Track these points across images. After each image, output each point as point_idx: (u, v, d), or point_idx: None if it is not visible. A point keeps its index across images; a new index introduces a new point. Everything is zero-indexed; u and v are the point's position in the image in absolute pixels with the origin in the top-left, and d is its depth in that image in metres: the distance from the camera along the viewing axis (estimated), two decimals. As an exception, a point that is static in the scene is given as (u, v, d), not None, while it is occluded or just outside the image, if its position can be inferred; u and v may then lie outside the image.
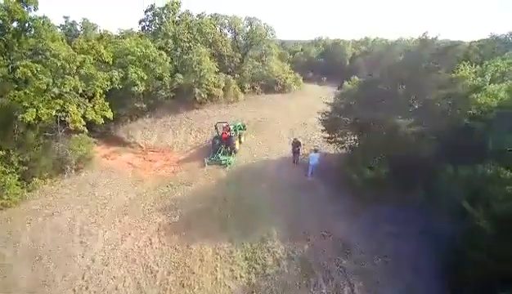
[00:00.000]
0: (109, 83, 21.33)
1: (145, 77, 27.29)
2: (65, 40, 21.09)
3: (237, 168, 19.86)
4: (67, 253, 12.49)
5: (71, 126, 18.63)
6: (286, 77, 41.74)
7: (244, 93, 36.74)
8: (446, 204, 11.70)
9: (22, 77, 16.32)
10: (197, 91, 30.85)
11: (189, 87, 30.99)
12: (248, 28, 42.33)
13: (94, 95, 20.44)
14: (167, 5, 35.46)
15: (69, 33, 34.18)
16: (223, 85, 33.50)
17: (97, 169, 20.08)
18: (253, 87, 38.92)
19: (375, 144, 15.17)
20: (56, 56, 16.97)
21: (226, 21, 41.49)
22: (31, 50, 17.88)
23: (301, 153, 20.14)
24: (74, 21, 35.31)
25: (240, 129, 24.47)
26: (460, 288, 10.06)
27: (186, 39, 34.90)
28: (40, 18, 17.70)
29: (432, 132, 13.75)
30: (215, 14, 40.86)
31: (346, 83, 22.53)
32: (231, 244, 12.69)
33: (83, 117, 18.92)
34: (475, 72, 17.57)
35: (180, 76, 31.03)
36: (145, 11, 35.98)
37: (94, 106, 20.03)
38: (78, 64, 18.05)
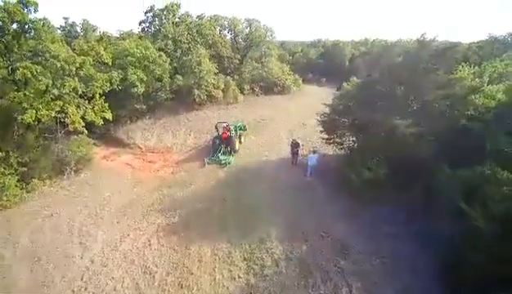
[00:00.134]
0: (108, 84, 21.36)
1: (144, 79, 27.37)
2: (64, 41, 21.13)
3: (236, 169, 19.91)
4: (66, 254, 12.49)
5: (71, 128, 18.65)
6: (286, 79, 41.84)
7: (244, 94, 36.82)
8: (444, 205, 11.73)
9: (22, 79, 16.36)
10: (196, 92, 30.92)
11: (188, 89, 31.05)
12: (247, 30, 42.49)
13: (93, 96, 20.48)
14: (166, 6, 35.58)
15: (69, 34, 34.23)
16: (223, 86, 33.59)
17: (97, 170, 20.11)
18: (252, 89, 39.01)
19: (373, 144, 15.22)
20: (55, 58, 17.03)
21: (226, 22, 41.66)
22: (31, 51, 17.94)
23: (300, 154, 20.18)
24: (73, 22, 35.36)
25: (241, 129, 24.68)
26: (458, 289, 10.05)
27: (185, 40, 34.98)
28: (40, 20, 17.79)
29: (430, 133, 13.81)
30: (215, 15, 41.02)
31: (345, 84, 22.59)
32: (229, 245, 12.71)
33: (83, 118, 18.95)
34: (474, 73, 17.63)
35: (179, 77, 31.10)
36: (145, 13, 36.11)
37: (93, 107, 20.08)
38: (77, 65, 18.08)
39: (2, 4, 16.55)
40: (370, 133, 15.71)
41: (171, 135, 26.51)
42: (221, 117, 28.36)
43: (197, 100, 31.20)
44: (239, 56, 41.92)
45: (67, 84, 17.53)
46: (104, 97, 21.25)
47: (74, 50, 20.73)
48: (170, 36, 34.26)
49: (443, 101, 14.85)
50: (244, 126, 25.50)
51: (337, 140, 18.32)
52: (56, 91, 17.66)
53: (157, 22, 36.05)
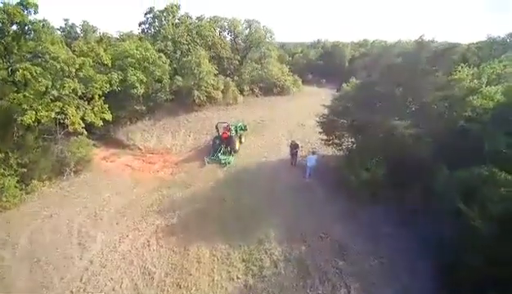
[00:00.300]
0: (108, 86, 21.42)
1: (144, 80, 27.43)
2: (64, 43, 21.19)
3: (235, 170, 19.95)
4: (65, 255, 12.53)
5: (70, 129, 18.70)
6: (285, 80, 41.88)
7: (243, 95, 36.90)
8: (443, 206, 11.74)
9: (21, 80, 16.45)
10: (196, 93, 30.97)
11: (188, 90, 31.11)
12: (247, 31, 42.57)
13: (93, 97, 20.54)
14: (166, 8, 35.67)
15: (69, 35, 34.38)
16: (222, 87, 33.68)
17: (96, 171, 20.16)
18: (252, 90, 39.09)
19: (372, 145, 15.25)
20: (55, 59, 17.08)
21: (226, 24, 41.79)
22: (30, 53, 18.01)
23: (299, 155, 20.22)
24: (73, 24, 35.50)
25: (242, 129, 24.88)
26: (455, 289, 10.07)
27: (185, 42, 35.07)
28: (40, 21, 17.86)
29: (428, 134, 13.82)
30: (214, 16, 41.15)
31: (345, 85, 22.64)
32: (228, 246, 12.73)
33: (82, 119, 19.00)
34: (473, 74, 17.66)
35: (179, 78, 31.16)
36: (145, 14, 36.21)
37: (93, 108, 20.13)
38: (77, 66, 18.14)
39: (1, 5, 16.64)
40: (368, 134, 15.73)
41: (170, 136, 26.57)
42: (220, 118, 28.40)
43: (197, 101, 31.26)
44: (238, 57, 42.03)
45: (67, 85, 17.60)
46: (104, 98, 21.32)
47: (73, 51, 20.79)
48: (170, 37, 34.37)
49: (442, 102, 14.88)
50: (245, 127, 25.66)
51: (336, 141, 18.34)
52: (55, 93, 17.74)
53: (157, 23, 36.17)
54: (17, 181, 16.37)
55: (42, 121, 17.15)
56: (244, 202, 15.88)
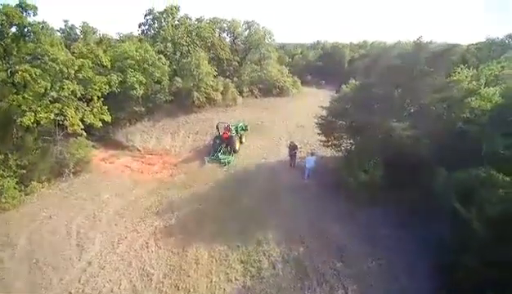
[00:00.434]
0: (107, 87, 21.47)
1: (143, 81, 27.48)
2: (63, 44, 21.26)
3: (234, 171, 19.98)
4: (64, 256, 12.54)
5: (70, 130, 18.73)
6: (285, 81, 41.94)
7: (243, 97, 36.96)
8: (441, 207, 11.78)
9: (21, 82, 16.52)
10: (196, 94, 31.02)
11: (187, 91, 31.17)
12: (246, 32, 42.62)
13: (92, 98, 20.58)
14: (166, 9, 35.74)
15: (69, 36, 34.35)
16: (222, 88, 33.73)
17: (95, 172, 20.17)
18: (251, 91, 39.17)
19: (370, 147, 15.26)
20: (54, 61, 17.13)
21: (225, 25, 41.85)
22: (30, 54, 18.06)
23: (298, 157, 20.26)
24: (72, 25, 35.48)
25: (243, 130, 25.05)
26: (454, 290, 10.09)
27: (184, 43, 35.15)
28: (39, 23, 17.92)
29: (427, 136, 13.84)
30: (214, 18, 41.19)
31: (344, 86, 22.68)
32: (226, 247, 12.75)
33: (82, 120, 19.03)
34: (472, 75, 17.70)
35: (179, 79, 31.22)
36: (145, 15, 36.27)
37: (92, 110, 20.16)
38: (76, 68, 18.18)
39: (0, 8, 16.66)
40: (367, 136, 15.76)
41: (170, 137, 26.60)
42: (220, 119, 28.38)
43: (196, 102, 31.31)
44: (238, 59, 42.09)
45: (66, 87, 17.66)
46: (103, 99, 21.36)
47: (73, 53, 20.84)
48: (169, 38, 34.45)
49: (440, 104, 14.91)
50: (246, 127, 25.83)
51: (334, 142, 18.36)
52: (54, 94, 17.79)
53: (156, 25, 36.23)
54: (16, 182, 16.40)
55: (42, 122, 17.21)
56: (243, 203, 15.91)
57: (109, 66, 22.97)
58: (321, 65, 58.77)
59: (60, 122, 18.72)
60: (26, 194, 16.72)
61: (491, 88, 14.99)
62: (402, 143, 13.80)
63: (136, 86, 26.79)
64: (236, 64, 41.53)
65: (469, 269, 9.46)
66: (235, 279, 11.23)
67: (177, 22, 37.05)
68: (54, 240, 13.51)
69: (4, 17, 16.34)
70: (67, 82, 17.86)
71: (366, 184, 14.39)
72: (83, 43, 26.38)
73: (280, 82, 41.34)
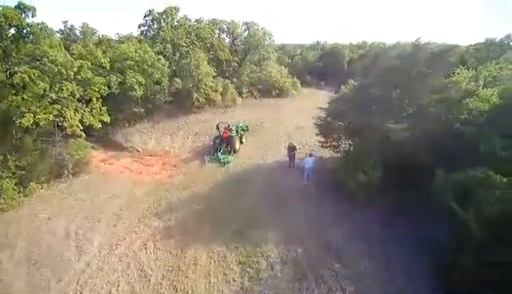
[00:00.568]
0: (106, 88, 21.49)
1: (143, 82, 27.52)
2: (62, 45, 21.28)
3: (233, 172, 20.01)
4: (62, 257, 12.54)
5: (69, 131, 18.74)
6: (284, 82, 42.00)
7: (242, 97, 37.05)
8: (438, 208, 11.78)
9: (20, 83, 16.52)
10: (195, 95, 31.08)
11: (187, 92, 31.22)
12: (246, 33, 42.68)
13: (91, 99, 20.60)
14: (165, 10, 35.81)
15: (68, 37, 34.46)
16: (221, 89, 33.80)
17: (94, 173, 20.18)
18: (250, 92, 39.26)
19: (368, 148, 15.28)
20: (53, 62, 17.15)
21: (225, 26, 41.90)
22: (29, 56, 18.07)
23: (297, 157, 20.28)
24: (72, 26, 35.58)
25: (243, 130, 25.26)
26: (452, 291, 10.10)
27: (184, 44, 35.23)
28: (38, 24, 17.94)
29: (425, 137, 13.86)
30: (213, 19, 41.24)
31: (343, 87, 22.70)
32: (225, 248, 12.76)
33: (81, 121, 19.05)
34: (471, 77, 17.72)
35: (178, 80, 31.27)
36: (144, 16, 36.34)
37: (91, 111, 20.17)
38: (75, 69, 18.19)
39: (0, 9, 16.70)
40: (365, 137, 15.78)
41: (169, 138, 26.62)
42: (219, 120, 28.44)
43: (195, 103, 31.39)
44: (237, 59, 42.20)
45: (65, 88, 17.68)
46: (102, 100, 21.36)
47: (72, 54, 20.85)
48: (169, 39, 34.51)
49: (438, 105, 14.93)
50: (247, 127, 26.04)
51: (333, 143, 18.37)
52: (53, 95, 17.79)
53: (156, 26, 36.30)
54: (15, 183, 16.40)
55: (41, 123, 17.20)
56: (242, 204, 15.91)
57: (108, 67, 22.98)
58: (321, 66, 58.85)
59: (60, 124, 18.71)
60: (25, 195, 16.71)
61: (490, 89, 15.00)
62: (400, 144, 13.82)
63: (136, 87, 26.83)
64: (236, 64, 41.65)
65: (467, 269, 9.48)
66: (234, 280, 11.24)
67: (176, 23, 37.17)
68: (53, 241, 13.51)
69: (3, 18, 16.36)
70: (66, 83, 17.89)
71: (364, 185, 14.40)
72: (82, 44, 26.38)
73: (279, 83, 41.43)
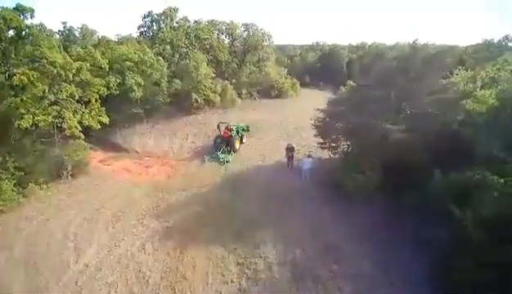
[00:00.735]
0: (105, 89, 21.52)
1: (142, 83, 27.55)
2: (62, 46, 21.33)
3: (232, 173, 20.06)
4: (61, 259, 12.54)
5: (68, 132, 18.77)
6: (283, 83, 42.09)
7: (241, 98, 37.14)
8: (436, 209, 11.82)
9: (19, 84, 16.52)
10: (194, 96, 31.12)
11: (186, 93, 31.28)
12: (245, 34, 42.71)
13: (90, 100, 20.63)
14: (164, 11, 35.88)
15: (68, 38, 34.43)
16: (220, 90, 33.81)
17: (93, 175, 20.19)
18: (249, 93, 39.35)
19: (366, 149, 15.33)
20: (52, 64, 17.17)
21: (224, 27, 41.91)
22: (28, 57, 18.09)
23: (295, 158, 20.34)
24: (71, 27, 35.57)
25: (244, 130, 25.48)
26: (448, 292, 10.13)
27: (183, 45, 35.30)
28: (36, 25, 18.03)
29: (422, 138, 13.91)
30: (212, 20, 41.28)
31: (342, 88, 22.78)
32: (223, 249, 12.77)
33: (80, 122, 19.07)
34: (469, 77, 17.80)
35: (177, 81, 31.32)
36: (143, 18, 36.42)
37: (90, 112, 20.20)
38: (74, 71, 18.21)
39: (-2, 11, 16.74)
40: (363, 138, 15.83)
41: (168, 139, 26.68)
42: (218, 121, 28.51)
43: (194, 104, 31.44)
44: (237, 60, 42.20)
45: (64, 90, 17.71)
46: (101, 102, 21.40)
47: (71, 56, 20.87)
48: (168, 40, 34.58)
49: (435, 106, 14.99)
50: (247, 127, 26.22)
51: (331, 144, 18.42)
52: (52, 97, 17.80)
53: (155, 27, 36.37)
54: (14, 185, 16.34)
55: (40, 125, 17.24)
56: (240, 205, 15.93)
57: (107, 68, 23.00)
58: (320, 67, 59.04)
59: (59, 125, 18.74)
60: (24, 197, 16.65)
61: (487, 91, 15.07)
62: (398, 145, 13.87)
63: (135, 88, 26.91)
64: (235, 65, 41.67)
65: (465, 271, 9.45)
66: (232, 281, 11.26)
67: (175, 24, 37.26)
68: (51, 242, 13.51)
69: (2, 20, 16.39)
70: (65, 84, 17.92)
71: (363, 186, 14.45)
72: (81, 45, 26.44)
73: (278, 84, 41.53)
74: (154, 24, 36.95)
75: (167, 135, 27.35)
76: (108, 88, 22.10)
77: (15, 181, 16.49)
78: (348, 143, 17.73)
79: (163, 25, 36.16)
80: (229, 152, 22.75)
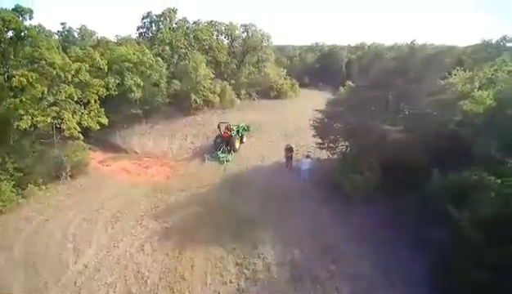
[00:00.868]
0: (105, 90, 21.53)
1: (141, 84, 27.57)
2: (61, 47, 21.35)
3: (231, 173, 20.10)
4: (60, 259, 12.57)
5: (67, 133, 18.79)
6: (282, 83, 42.15)
7: (241, 99, 37.20)
8: (435, 209, 11.86)
9: (18, 86, 16.53)
10: (193, 97, 31.16)
11: (185, 93, 31.31)
12: (244, 35, 42.76)
13: (89, 101, 20.66)
14: (163, 12, 35.91)
15: (67, 39, 34.45)
16: (219, 91, 33.86)
17: (92, 175, 20.23)
18: (249, 93, 39.42)
19: (365, 149, 15.38)
20: (51, 65, 17.19)
21: (223, 28, 41.94)
22: (27, 58, 18.11)
23: (294, 159, 20.39)
24: (70, 27, 35.58)
25: (244, 130, 25.76)
26: (447, 292, 10.16)
27: (182, 46, 35.33)
28: (35, 27, 18.02)
29: (420, 138, 13.96)
30: (211, 21, 41.31)
31: (342, 89, 22.87)
32: (222, 250, 12.80)
33: (79, 123, 19.10)
34: (468, 78, 17.85)
35: (176, 82, 31.35)
36: (142, 19, 36.45)
37: (89, 113, 20.22)
38: (73, 72, 18.23)
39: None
40: (361, 138, 15.88)
41: (167, 139, 26.72)
42: (217, 121, 28.56)
43: (194, 104, 31.48)
44: (236, 61, 42.24)
45: (63, 91, 17.73)
46: (100, 102, 21.42)
47: (70, 57, 20.89)
48: (167, 41, 34.59)
49: (433, 107, 15.05)
50: (248, 127, 26.47)
51: (330, 144, 18.46)
52: (51, 98, 17.82)
53: (154, 28, 36.40)
54: (13, 186, 16.36)
55: (39, 126, 17.27)
56: (239, 205, 15.96)
57: (106, 69, 23.03)
58: (319, 67, 59.14)
59: (58, 126, 18.76)
60: (23, 197, 16.67)
61: (485, 92, 15.13)
62: (396, 145, 13.92)
63: (134, 88, 26.94)
64: (234, 66, 41.72)
65: (465, 271, 9.45)
66: (230, 282, 11.29)
67: (174, 25, 37.27)
68: (50, 243, 13.53)
69: (1, 21, 16.41)
70: (64, 85, 17.93)
71: (361, 187, 14.49)
72: (80, 46, 26.46)
73: (277, 85, 41.59)
74: (153, 24, 36.96)
75: (166, 135, 27.38)
76: (107, 89, 22.10)
77: (14, 182, 16.51)
78: (347, 143, 17.78)
79: (162, 26, 36.17)
80: (229, 151, 23.02)
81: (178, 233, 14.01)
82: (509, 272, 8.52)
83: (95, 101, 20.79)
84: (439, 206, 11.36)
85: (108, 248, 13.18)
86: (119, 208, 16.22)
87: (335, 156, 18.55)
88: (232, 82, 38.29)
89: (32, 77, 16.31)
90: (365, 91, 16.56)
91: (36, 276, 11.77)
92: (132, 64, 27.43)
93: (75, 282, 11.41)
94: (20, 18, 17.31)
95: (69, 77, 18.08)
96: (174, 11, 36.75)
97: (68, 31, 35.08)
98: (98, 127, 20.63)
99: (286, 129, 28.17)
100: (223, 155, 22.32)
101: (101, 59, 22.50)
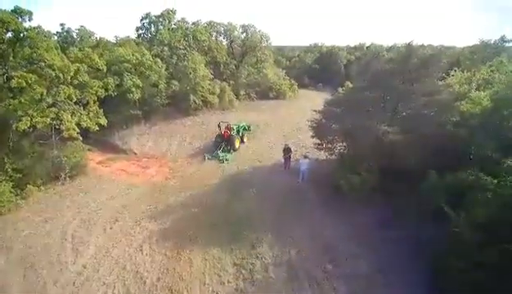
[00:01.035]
0: (103, 91, 21.57)
1: (140, 85, 27.57)
2: (60, 48, 21.38)
3: (230, 174, 20.16)
4: (59, 260, 12.63)
5: (65, 134, 18.82)
6: (281, 84, 42.19)
7: (240, 100, 37.23)
8: (431, 210, 11.93)
9: (17, 87, 16.56)
10: (192, 97, 31.18)
11: (184, 94, 31.32)
12: (243, 36, 42.80)
13: (88, 102, 20.70)
14: (162, 13, 35.96)
15: (65, 40, 34.45)
16: (218, 92, 33.86)
17: (91, 176, 20.28)
18: (248, 94, 39.43)
19: (362, 150, 15.43)
20: (50, 66, 17.22)
21: (222, 28, 41.99)
22: (26, 59, 18.14)
23: (292, 159, 20.45)
24: (69, 28, 35.56)
25: (245, 130, 26.06)
26: (445, 292, 10.20)
27: (181, 46, 35.29)
28: (34, 28, 18.03)
29: (418, 139, 14.02)
30: (210, 21, 41.34)
31: (340, 90, 22.94)
32: (220, 250, 12.86)
33: (78, 124, 19.13)
34: (465, 78, 17.94)
35: (175, 83, 31.36)
36: (141, 19, 36.48)
37: (88, 113, 20.26)
38: (72, 74, 18.26)
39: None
40: (359, 139, 15.93)
41: (166, 140, 26.75)
42: (216, 122, 28.61)
43: (193, 105, 31.47)
44: (235, 62, 42.27)
45: (62, 92, 17.75)
46: (99, 103, 21.48)
47: (69, 58, 20.92)
48: (166, 42, 34.59)
49: (430, 107, 15.11)
50: (249, 127, 26.77)
51: (328, 145, 18.51)
52: (50, 99, 17.86)
53: (153, 28, 36.44)
54: (12, 186, 16.42)
55: (38, 127, 17.29)
56: (238, 206, 16.03)
57: (105, 70, 23.05)
58: (318, 68, 59.08)
59: (57, 126, 18.79)
60: (22, 198, 16.73)
61: (482, 92, 15.21)
62: (394, 146, 13.97)
63: (133, 89, 26.94)
64: (233, 67, 41.73)
65: (463, 271, 9.46)
66: (228, 282, 11.35)
67: (173, 26, 37.30)
68: (49, 244, 13.59)
69: (0, 23, 16.45)
70: (63, 86, 17.96)
71: (359, 187, 14.54)
72: (79, 47, 26.49)
73: (276, 85, 41.62)
74: (152, 25, 36.99)
75: (165, 136, 27.43)
76: (106, 90, 22.10)
77: (13, 183, 16.58)
78: (345, 144, 17.83)
79: (161, 27, 36.21)
80: (229, 150, 23.29)
81: (177, 234, 14.06)
82: (507, 272, 8.57)
83: (94, 102, 20.87)
84: (435, 206, 11.42)
85: (107, 249, 13.23)
86: (117, 209, 16.28)
87: (333, 157, 18.58)
88: (231, 82, 38.28)
89: (31, 78, 16.34)
90: (362, 92, 16.62)
91: (35, 277, 11.82)
92: (131, 65, 27.46)
93: (74, 283, 11.47)
94: (20, 19, 17.32)
95: (68, 78, 18.12)
96: (173, 11, 36.82)
97: (67, 32, 35.02)
98: (97, 128, 20.65)
99: (285, 130, 28.24)
100: (223, 154, 22.59)
101: (100, 59, 22.50)
